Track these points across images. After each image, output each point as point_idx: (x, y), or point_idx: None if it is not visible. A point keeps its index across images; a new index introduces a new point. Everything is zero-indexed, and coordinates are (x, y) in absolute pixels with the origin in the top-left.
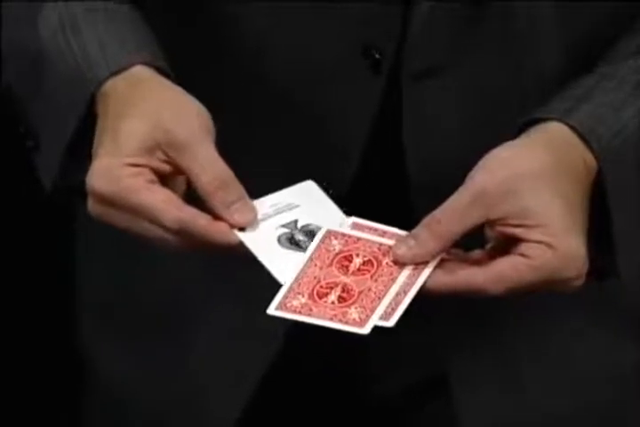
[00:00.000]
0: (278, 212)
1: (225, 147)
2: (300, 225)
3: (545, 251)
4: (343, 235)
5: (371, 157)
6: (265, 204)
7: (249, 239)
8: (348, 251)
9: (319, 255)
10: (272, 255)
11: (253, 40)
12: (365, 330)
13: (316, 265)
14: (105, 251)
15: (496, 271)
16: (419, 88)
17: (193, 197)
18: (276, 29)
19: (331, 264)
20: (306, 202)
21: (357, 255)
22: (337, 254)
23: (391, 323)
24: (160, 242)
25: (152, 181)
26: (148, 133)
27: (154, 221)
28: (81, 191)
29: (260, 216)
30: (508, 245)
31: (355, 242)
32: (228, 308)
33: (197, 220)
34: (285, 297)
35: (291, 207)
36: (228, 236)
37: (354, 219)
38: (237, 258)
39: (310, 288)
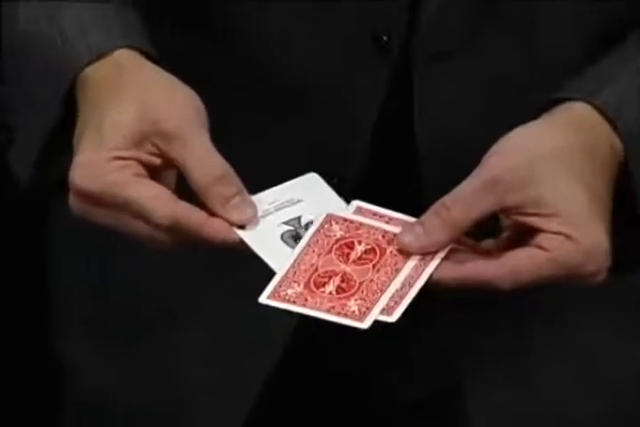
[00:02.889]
0: (280, 208)
1: (225, 136)
2: (303, 222)
3: (564, 243)
4: (345, 220)
5: (380, 142)
6: (265, 199)
7: (250, 237)
8: (350, 237)
9: (318, 241)
10: (277, 254)
11: (258, 24)
12: (365, 324)
13: (313, 252)
14: (83, 250)
15: (510, 264)
16: (429, 73)
17: (185, 192)
18: (282, 14)
19: (330, 251)
20: (309, 196)
21: (359, 243)
22: (337, 241)
23: (393, 318)
24: (150, 241)
25: (140, 175)
26: (134, 123)
27: (143, 218)
28: (61, 187)
29: (260, 213)
30: (524, 235)
31: (357, 228)
32: (223, 311)
33: (192, 216)
34: (279, 285)
35: (293, 202)
36: (226, 233)
37: (357, 203)
38: (231, 257)
39: (307, 277)
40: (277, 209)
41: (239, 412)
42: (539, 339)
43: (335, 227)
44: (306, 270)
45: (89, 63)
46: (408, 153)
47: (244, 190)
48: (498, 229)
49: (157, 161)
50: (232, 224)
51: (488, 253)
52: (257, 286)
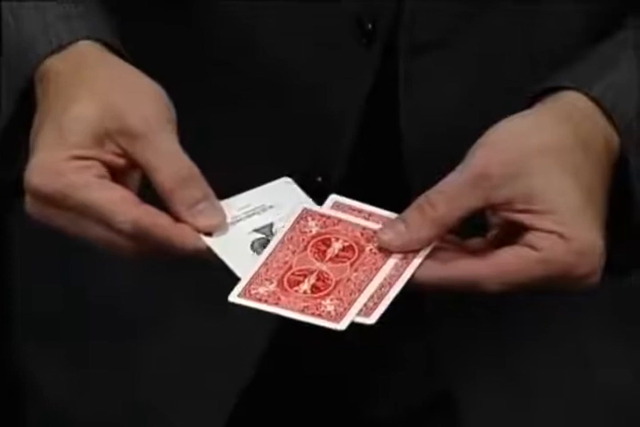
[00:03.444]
0: (250, 214)
1: (195, 135)
2: (275, 229)
3: (556, 242)
4: (322, 215)
5: (366, 138)
6: (235, 205)
7: (218, 245)
8: (327, 234)
9: (292, 237)
10: (246, 264)
11: (233, 8)
12: (341, 326)
13: (288, 249)
14: (44, 256)
15: (497, 263)
16: (417, 63)
17: (150, 195)
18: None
19: (305, 248)
20: (282, 202)
21: (337, 240)
22: (313, 237)
23: (372, 320)
24: (111, 247)
25: (102, 176)
26: (96, 120)
27: (104, 222)
28: (18, 188)
29: (229, 219)
30: (513, 233)
31: (334, 224)
32: (192, 320)
33: (156, 221)
34: (250, 283)
35: (264, 209)
36: (192, 240)
37: (335, 197)
38: (199, 263)
39: (280, 274)
40: (248, 215)
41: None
42: (530, 342)
43: (311, 223)
44: (279, 268)
45: (48, 55)
46: (395, 148)
47: (212, 195)
48: (486, 227)
49: (121, 161)
50: (199, 231)
51: (474, 253)
52: (226, 292)
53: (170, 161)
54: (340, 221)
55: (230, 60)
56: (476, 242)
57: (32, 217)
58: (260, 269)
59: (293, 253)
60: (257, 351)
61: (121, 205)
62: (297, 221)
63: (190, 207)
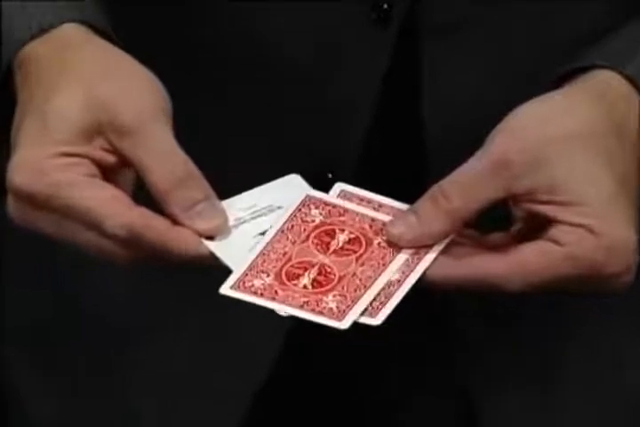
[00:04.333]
0: (256, 215)
1: (193, 129)
2: None
3: (583, 237)
4: (326, 204)
5: (380, 122)
6: (238, 205)
7: (221, 250)
8: (331, 224)
9: (293, 227)
10: None
11: None
12: (344, 324)
13: (287, 238)
14: (32, 262)
15: (518, 260)
16: (438, 45)
17: (144, 197)
18: None
19: (307, 239)
20: (290, 201)
21: (342, 231)
22: (316, 227)
23: (377, 321)
24: (102, 253)
25: (91, 175)
26: (84, 113)
27: (94, 226)
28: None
29: (232, 221)
30: (537, 228)
31: (340, 214)
32: (194, 334)
33: (152, 224)
34: (245, 274)
35: (271, 209)
36: (193, 245)
37: (342, 185)
38: (205, 270)
39: (278, 266)
40: (253, 217)
41: None
42: (561, 344)
43: (314, 211)
44: (277, 260)
45: (29, 40)
46: (414, 138)
47: (212, 195)
48: (510, 221)
49: (112, 158)
50: (199, 235)
51: (493, 249)
52: (236, 307)
53: (164, 159)
54: (346, 210)
55: (229, 46)
56: (496, 237)
57: (15, 220)
58: (255, 259)
59: (293, 243)
60: (267, 354)
61: (112, 206)
62: (298, 209)
63: (188, 209)
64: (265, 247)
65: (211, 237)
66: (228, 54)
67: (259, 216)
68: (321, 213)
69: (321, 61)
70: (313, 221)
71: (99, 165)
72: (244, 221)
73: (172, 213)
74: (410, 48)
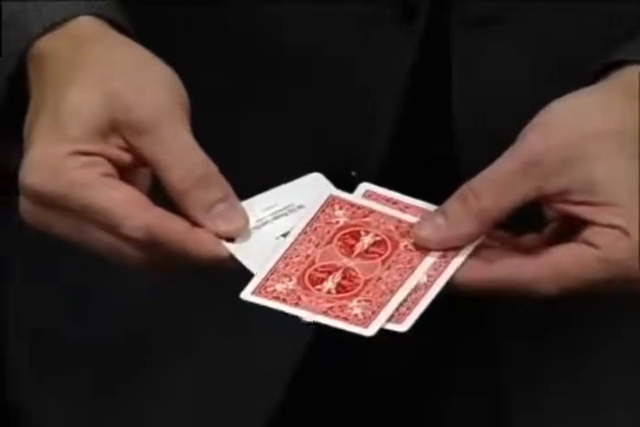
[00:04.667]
0: (277, 215)
1: (210, 126)
2: None
3: (618, 239)
4: (352, 205)
5: (405, 119)
6: (258, 205)
7: (241, 252)
8: (356, 226)
9: (316, 228)
10: None
11: None
12: (369, 331)
13: (310, 241)
14: (45, 268)
15: (550, 264)
16: (468, 38)
17: (163, 197)
18: None
19: (330, 241)
20: (313, 202)
21: (367, 233)
22: (340, 229)
23: (404, 327)
24: (118, 256)
25: (108, 175)
26: (99, 109)
27: (110, 227)
28: (8, 189)
29: (253, 222)
30: (571, 229)
31: (365, 215)
32: (214, 346)
33: (170, 226)
34: (266, 279)
35: (293, 209)
36: (212, 247)
37: (367, 185)
38: (220, 276)
39: (301, 271)
40: (275, 217)
41: None
42: (595, 355)
43: (338, 212)
44: (300, 263)
45: (42, 34)
46: (442, 136)
47: (232, 195)
48: (543, 221)
49: (128, 157)
50: (219, 236)
51: (525, 251)
52: (257, 318)
53: (183, 158)
54: (371, 212)
55: (247, 41)
56: (528, 239)
57: (27, 222)
58: (277, 263)
59: (317, 245)
60: (285, 376)
61: (130, 207)
62: (322, 210)
63: (208, 210)
64: (287, 250)
65: (231, 239)
66: (253, 52)
67: (280, 217)
68: (345, 215)
69: (346, 58)
70: (337, 222)
71: (115, 163)
72: (266, 222)
73: (190, 214)
74: (438, 43)
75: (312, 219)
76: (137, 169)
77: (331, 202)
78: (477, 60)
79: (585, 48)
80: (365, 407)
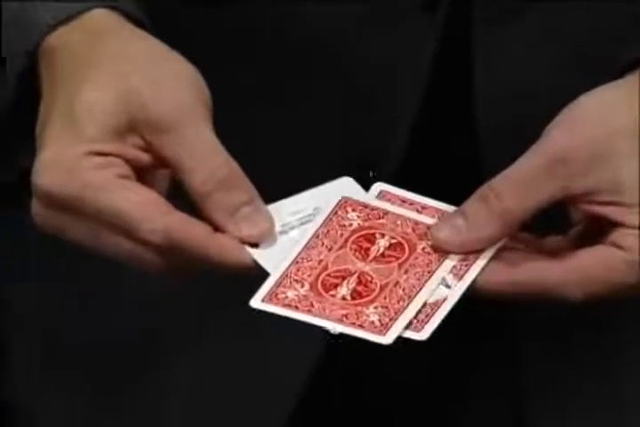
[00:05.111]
0: (304, 220)
1: (229, 124)
2: None
3: None
4: (365, 206)
5: (428, 115)
6: (285, 209)
7: (266, 258)
8: (371, 229)
9: (329, 231)
10: None
11: None
12: (387, 339)
13: (323, 244)
14: (49, 268)
15: (576, 267)
16: (491, 32)
17: (180, 199)
18: None
19: (344, 245)
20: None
21: (382, 236)
22: (354, 232)
23: (424, 335)
24: (136, 261)
25: (125, 176)
26: (116, 107)
27: (128, 231)
28: (20, 191)
29: (279, 227)
30: (598, 231)
31: (380, 217)
32: (224, 349)
33: (192, 231)
34: (277, 285)
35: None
36: (236, 253)
37: (381, 185)
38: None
39: (314, 276)
40: (302, 222)
41: None
42: (618, 358)
43: (352, 214)
44: (312, 268)
45: (54, 27)
46: (463, 133)
47: (258, 197)
48: (567, 222)
49: (146, 158)
50: (243, 241)
51: (550, 254)
52: (272, 322)
53: (206, 159)
54: (386, 213)
55: (263, 35)
56: (553, 241)
57: (39, 226)
58: (289, 268)
59: (330, 249)
60: (296, 380)
61: (148, 210)
62: (334, 212)
63: (232, 213)
64: (298, 255)
65: (255, 245)
66: (278, 49)
67: (308, 222)
68: (359, 217)
69: (365, 48)
70: (350, 225)
71: (132, 164)
72: (292, 227)
73: (213, 217)
74: (459, 37)
75: (324, 222)
76: (155, 170)
77: (343, 204)
78: (500, 53)
79: (608, 42)
80: (382, 413)
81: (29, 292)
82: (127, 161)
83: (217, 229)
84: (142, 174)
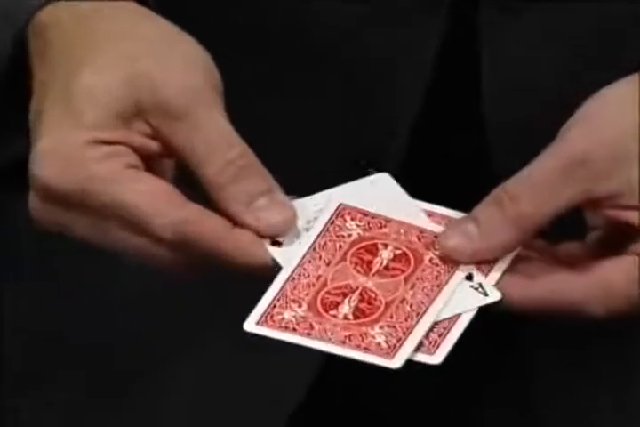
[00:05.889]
0: None
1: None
2: None
3: None
4: (365, 213)
5: (433, 112)
6: (309, 206)
7: (287, 258)
8: (372, 239)
9: (326, 243)
10: None
11: None
12: (395, 363)
13: (320, 258)
14: (45, 268)
15: (603, 282)
16: (497, 30)
17: (188, 188)
18: None
19: (344, 258)
20: (378, 205)
21: (385, 246)
22: (354, 243)
23: (436, 359)
24: (147, 258)
25: (133, 166)
26: (120, 91)
27: (137, 227)
28: (14, 185)
29: (303, 224)
30: (620, 237)
31: (382, 225)
32: (227, 349)
33: (207, 225)
34: (273, 306)
35: None
36: (255, 251)
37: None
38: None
39: (312, 294)
40: None
41: None
42: (634, 368)
43: (350, 223)
44: (310, 285)
45: (44, 4)
46: (470, 132)
47: (277, 187)
48: (583, 228)
49: (154, 146)
50: (261, 235)
51: (569, 265)
52: None
53: (222, 147)
54: (389, 221)
55: (268, 25)
56: (569, 248)
57: (38, 222)
58: (284, 286)
59: (328, 264)
60: (298, 391)
61: (161, 203)
62: (330, 222)
63: (249, 203)
64: (294, 271)
65: (276, 243)
66: (275, 45)
67: None
68: (358, 226)
69: (368, 47)
70: (349, 235)
71: (140, 153)
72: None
73: (229, 209)
74: (465, 31)
75: (320, 233)
76: (162, 160)
77: (341, 212)
78: (502, 52)
79: (617, 35)
80: (389, 423)
81: (24, 292)
82: (134, 149)
83: (235, 224)
84: (150, 164)
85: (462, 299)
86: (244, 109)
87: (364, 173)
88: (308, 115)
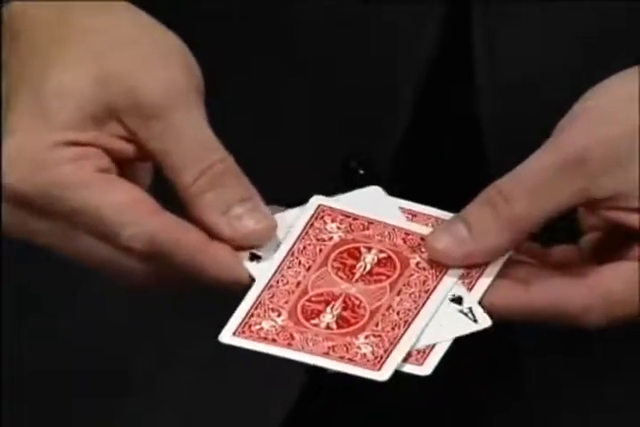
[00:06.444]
0: None
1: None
2: None
3: None
4: (347, 215)
5: (426, 110)
6: (289, 218)
7: (265, 274)
8: (355, 242)
9: (305, 247)
10: None
11: None
12: (382, 375)
13: (300, 263)
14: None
15: (604, 291)
16: (493, 14)
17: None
18: None
19: (325, 263)
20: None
21: (369, 249)
22: (335, 247)
23: (426, 370)
24: (116, 271)
25: (105, 170)
26: (93, 90)
27: (108, 236)
28: None
29: (282, 236)
30: (618, 240)
31: (365, 227)
32: (207, 365)
33: (182, 237)
34: (250, 315)
35: None
36: (231, 265)
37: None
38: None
39: (292, 301)
40: None
41: None
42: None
43: (331, 226)
44: (290, 292)
45: None
46: (464, 128)
47: (256, 195)
48: (577, 230)
49: (129, 149)
50: (238, 246)
51: (565, 269)
52: None
53: (199, 152)
54: (371, 222)
55: (263, 28)
56: (562, 252)
57: (8, 231)
58: (261, 294)
59: (308, 269)
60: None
61: (132, 211)
62: (310, 224)
63: (225, 212)
64: (272, 277)
65: (256, 257)
66: (274, 45)
67: None
68: (339, 228)
69: (365, 51)
70: (330, 238)
71: (113, 156)
72: None
73: (204, 218)
74: (460, 32)
75: (299, 236)
76: (137, 164)
77: (320, 213)
78: (503, 47)
79: (617, 35)
80: None
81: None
82: (107, 152)
83: (212, 236)
84: (124, 168)
85: (450, 325)
86: (243, 113)
87: (355, 175)
88: (307, 115)
